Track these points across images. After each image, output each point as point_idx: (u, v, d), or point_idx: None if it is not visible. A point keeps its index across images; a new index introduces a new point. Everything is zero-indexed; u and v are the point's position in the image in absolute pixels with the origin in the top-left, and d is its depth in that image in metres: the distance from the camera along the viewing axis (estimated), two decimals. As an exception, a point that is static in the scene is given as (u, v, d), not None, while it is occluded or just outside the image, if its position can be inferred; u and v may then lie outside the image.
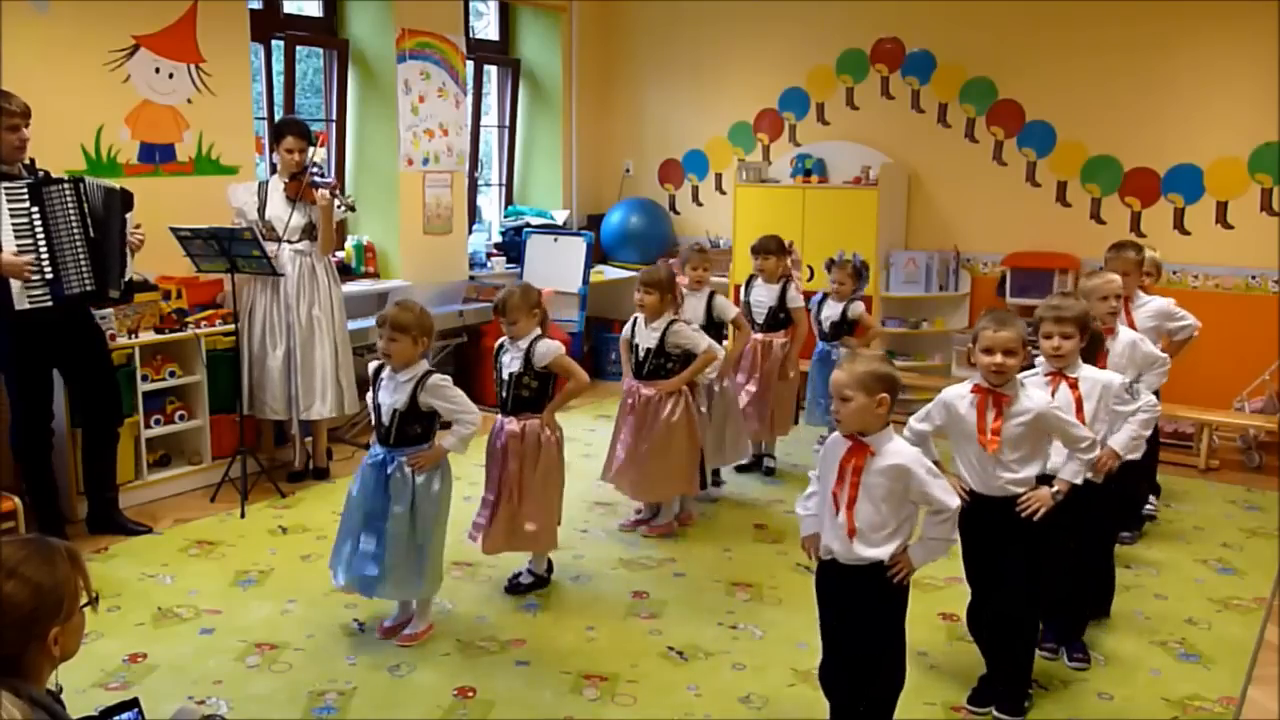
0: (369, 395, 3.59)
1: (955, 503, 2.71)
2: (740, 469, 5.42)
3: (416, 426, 3.47)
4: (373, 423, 3.55)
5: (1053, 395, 3.17)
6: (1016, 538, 3.02)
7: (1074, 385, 3.22)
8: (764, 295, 5.35)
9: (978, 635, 3.22)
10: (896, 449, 2.71)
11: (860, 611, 2.77)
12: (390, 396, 3.45)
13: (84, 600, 1.70)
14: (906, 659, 2.88)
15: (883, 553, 2.70)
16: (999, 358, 2.90)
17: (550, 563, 4.09)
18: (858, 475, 2.69)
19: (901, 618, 2.81)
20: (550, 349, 3.79)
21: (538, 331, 3.82)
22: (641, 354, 4.45)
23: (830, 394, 2.75)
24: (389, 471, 3.45)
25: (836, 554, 2.74)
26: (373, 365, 3.58)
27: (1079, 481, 3.06)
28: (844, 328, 5.45)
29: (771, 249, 5.29)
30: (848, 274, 5.41)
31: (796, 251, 5.66)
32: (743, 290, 5.51)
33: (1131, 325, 4.24)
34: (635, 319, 4.51)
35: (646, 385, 4.43)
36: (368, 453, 3.56)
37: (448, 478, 3.56)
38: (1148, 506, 4.85)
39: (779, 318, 5.32)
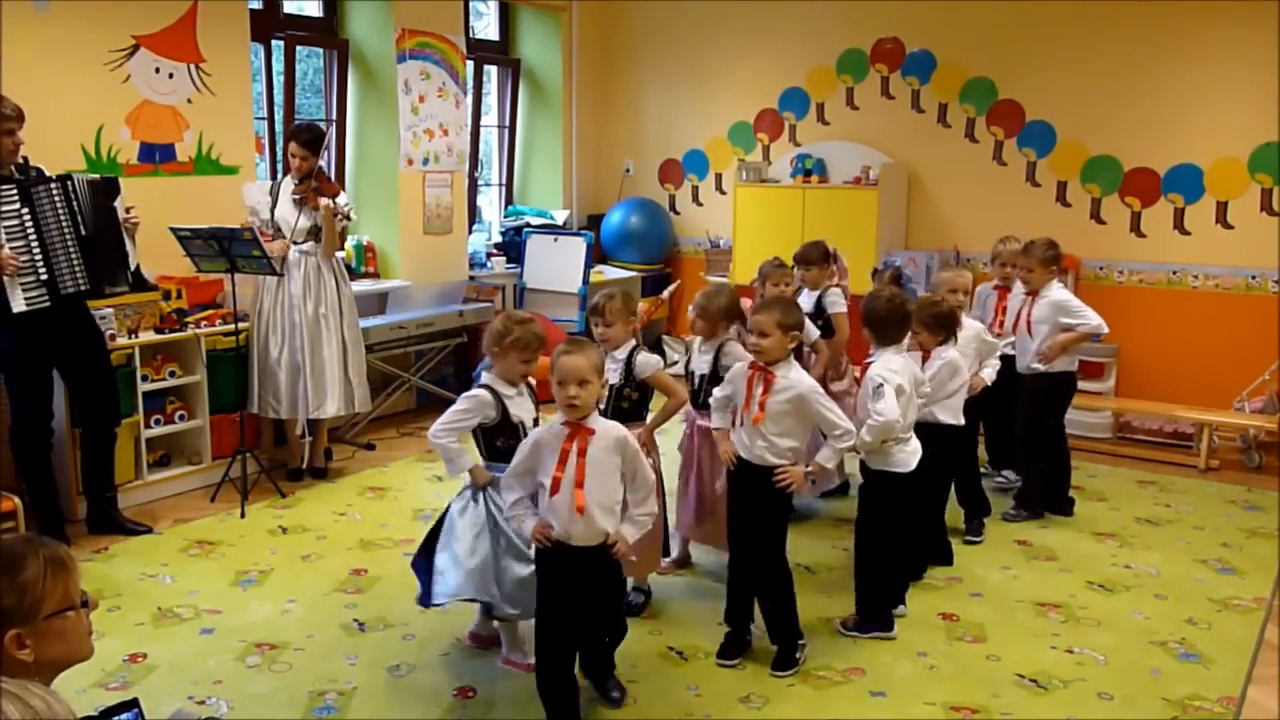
0: (466, 424, 3.32)
1: (653, 476, 2.88)
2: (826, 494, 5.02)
3: None
4: (506, 447, 3.23)
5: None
6: (768, 504, 3.30)
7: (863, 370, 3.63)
8: (809, 305, 4.81)
9: (734, 592, 3.49)
10: (612, 424, 2.90)
11: (593, 584, 2.94)
12: (527, 412, 3.32)
13: (62, 605, 1.66)
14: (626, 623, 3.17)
15: (608, 526, 2.86)
16: (753, 338, 3.27)
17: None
18: (582, 456, 2.84)
19: (621, 593, 3.13)
20: (651, 362, 3.66)
21: (634, 342, 3.67)
22: (696, 381, 3.99)
23: (565, 381, 2.87)
24: None
25: (572, 536, 2.87)
26: (486, 394, 3.29)
27: (830, 465, 3.36)
28: None
29: (814, 259, 4.84)
30: (885, 281, 4.93)
31: (843, 259, 5.09)
32: None
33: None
34: (691, 344, 4.13)
35: (704, 416, 3.88)
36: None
37: None
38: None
39: (816, 325, 4.73)
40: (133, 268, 4.37)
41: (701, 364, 4.00)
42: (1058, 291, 4.82)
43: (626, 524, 2.90)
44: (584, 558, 2.88)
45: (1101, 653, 3.55)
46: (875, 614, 3.67)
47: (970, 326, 4.40)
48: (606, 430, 2.87)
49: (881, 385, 3.49)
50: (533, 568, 3.11)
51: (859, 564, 3.72)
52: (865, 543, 3.68)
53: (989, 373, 4.42)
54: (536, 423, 3.28)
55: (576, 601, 2.92)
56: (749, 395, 3.31)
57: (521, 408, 3.31)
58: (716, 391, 3.54)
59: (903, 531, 3.71)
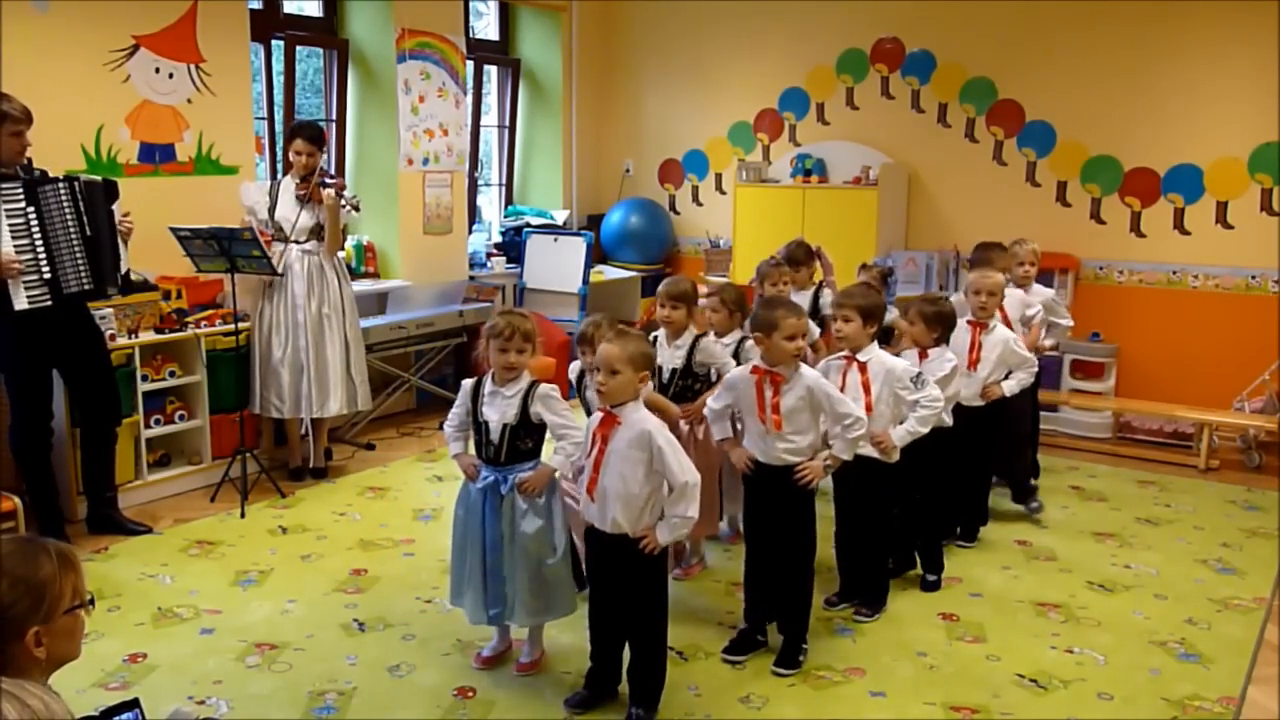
0: (457, 413, 3.33)
1: (692, 479, 2.86)
2: None
3: (528, 441, 3.23)
4: (477, 443, 3.29)
5: (844, 376, 3.59)
6: (792, 503, 3.33)
7: (863, 368, 3.59)
8: (805, 304, 4.85)
9: (753, 593, 3.52)
10: (643, 417, 2.92)
11: (624, 577, 3.02)
12: (498, 411, 3.20)
13: (73, 603, 1.67)
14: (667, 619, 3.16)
15: (627, 525, 2.91)
16: (800, 341, 3.25)
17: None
18: (605, 444, 2.92)
19: (663, 588, 3.10)
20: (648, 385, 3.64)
21: None
22: (666, 376, 3.96)
23: (599, 368, 2.93)
24: (503, 493, 3.21)
25: (593, 520, 2.97)
26: (469, 382, 3.31)
27: (846, 457, 3.33)
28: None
29: (800, 259, 5.00)
30: (873, 277, 5.03)
31: (826, 255, 5.27)
32: None
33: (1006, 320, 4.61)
34: (654, 337, 3.95)
35: None
36: (473, 477, 3.29)
37: (558, 493, 3.32)
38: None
39: (815, 323, 4.73)
40: (123, 271, 4.38)
41: (674, 358, 3.97)
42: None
43: (661, 524, 2.93)
44: (612, 546, 2.95)
45: (1101, 653, 3.55)
46: (882, 594, 3.85)
47: (999, 334, 4.36)
48: (635, 423, 2.90)
49: (921, 373, 3.58)
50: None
51: (871, 551, 3.82)
52: (877, 529, 3.80)
53: (1011, 384, 4.36)
54: (509, 429, 3.17)
55: (611, 589, 3.06)
56: (760, 401, 3.28)
57: (494, 407, 3.20)
58: (712, 402, 3.47)
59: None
